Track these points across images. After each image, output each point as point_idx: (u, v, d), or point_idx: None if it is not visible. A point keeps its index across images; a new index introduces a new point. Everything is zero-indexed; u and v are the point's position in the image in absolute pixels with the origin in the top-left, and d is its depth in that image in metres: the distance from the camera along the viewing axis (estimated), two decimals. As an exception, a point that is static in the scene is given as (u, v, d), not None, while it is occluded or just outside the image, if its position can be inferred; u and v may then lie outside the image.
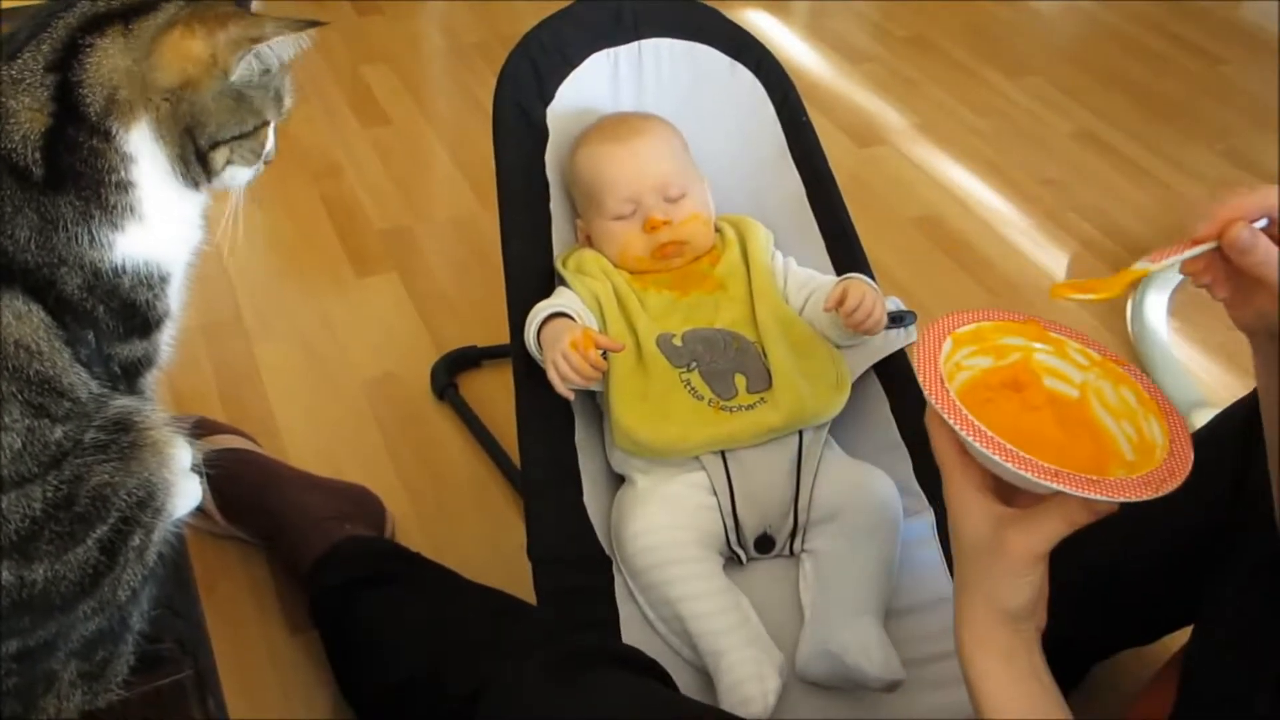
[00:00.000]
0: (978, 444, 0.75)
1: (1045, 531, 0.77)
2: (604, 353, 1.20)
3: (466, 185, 2.21)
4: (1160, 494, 0.75)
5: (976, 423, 0.76)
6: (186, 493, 0.93)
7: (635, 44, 1.41)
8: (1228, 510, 1.00)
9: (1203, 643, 1.02)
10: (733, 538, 1.19)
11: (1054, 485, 0.74)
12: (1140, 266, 0.81)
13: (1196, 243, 0.79)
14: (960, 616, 0.83)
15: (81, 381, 0.85)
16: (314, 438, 1.64)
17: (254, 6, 0.89)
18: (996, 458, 0.74)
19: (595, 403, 1.28)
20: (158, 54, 0.82)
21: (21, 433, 0.81)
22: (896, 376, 1.31)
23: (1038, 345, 0.86)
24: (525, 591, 1.17)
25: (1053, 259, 2.11)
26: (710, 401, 1.20)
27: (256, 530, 1.45)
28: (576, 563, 1.18)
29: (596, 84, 1.40)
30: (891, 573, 1.18)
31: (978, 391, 0.84)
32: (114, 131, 0.82)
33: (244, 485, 1.44)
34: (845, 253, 1.38)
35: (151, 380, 0.94)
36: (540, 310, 1.24)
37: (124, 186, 0.84)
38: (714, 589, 1.14)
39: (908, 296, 1.55)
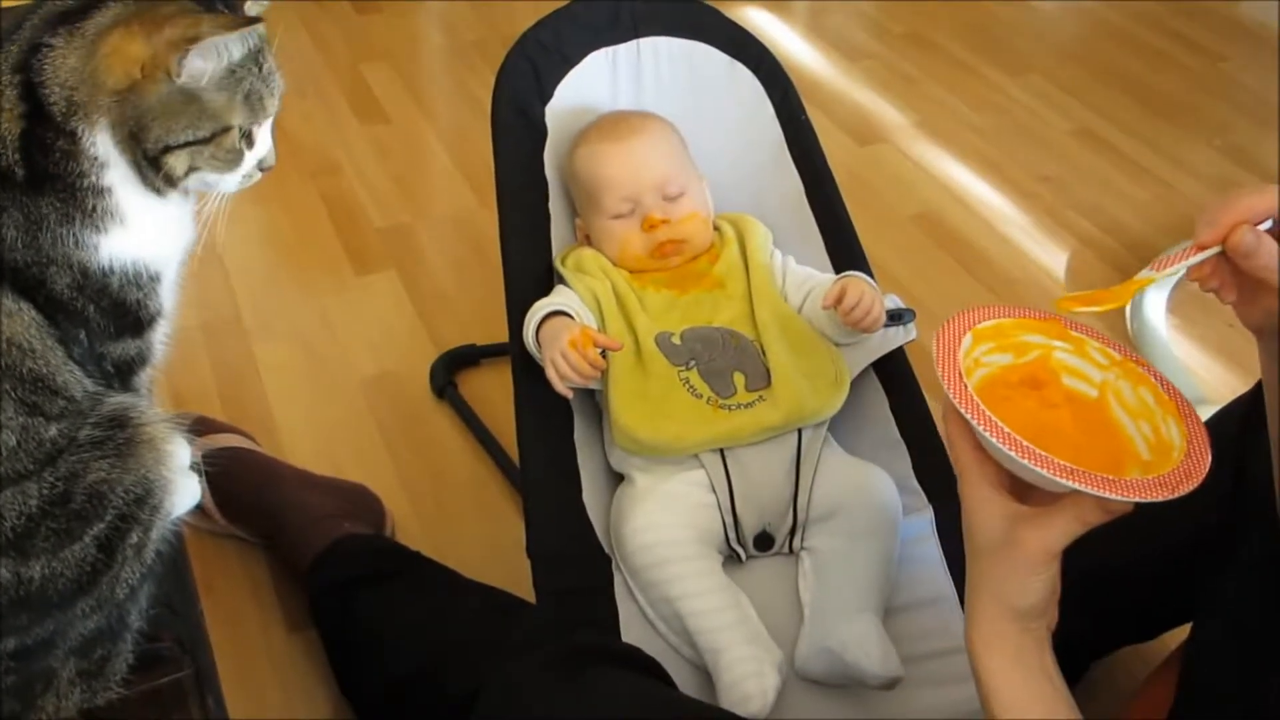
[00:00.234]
0: (995, 440, 0.75)
1: (1059, 530, 0.77)
2: (603, 351, 1.20)
3: (465, 184, 2.21)
4: (1176, 495, 0.74)
5: (994, 418, 0.76)
6: (185, 491, 0.93)
7: (634, 43, 1.41)
8: (1226, 507, 1.00)
9: (1202, 639, 1.02)
10: (732, 536, 1.19)
11: (1070, 483, 0.73)
12: (1145, 275, 0.81)
13: (1200, 248, 0.78)
14: (971, 615, 0.82)
15: (75, 379, 0.85)
16: (313, 436, 1.64)
17: (248, 7, 0.88)
18: (1013, 454, 0.74)
19: (594, 401, 1.28)
20: (101, 55, 0.80)
21: (16, 430, 0.81)
22: (895, 374, 1.31)
23: (1058, 343, 0.86)
24: (525, 590, 1.17)
25: (1052, 256, 2.11)
26: (709, 400, 1.20)
27: (255, 529, 1.45)
28: (576, 561, 1.18)
29: (595, 83, 1.40)
30: (890, 570, 1.18)
31: (996, 388, 0.84)
32: (79, 133, 0.81)
33: (243, 484, 1.44)
34: (844, 251, 1.37)
35: (146, 378, 0.94)
36: (539, 309, 1.24)
37: (99, 191, 0.83)
38: (713, 587, 1.14)
39: (906, 294, 1.55)
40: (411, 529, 1.52)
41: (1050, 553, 0.78)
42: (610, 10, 1.39)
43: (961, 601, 0.89)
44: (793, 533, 1.19)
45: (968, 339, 0.84)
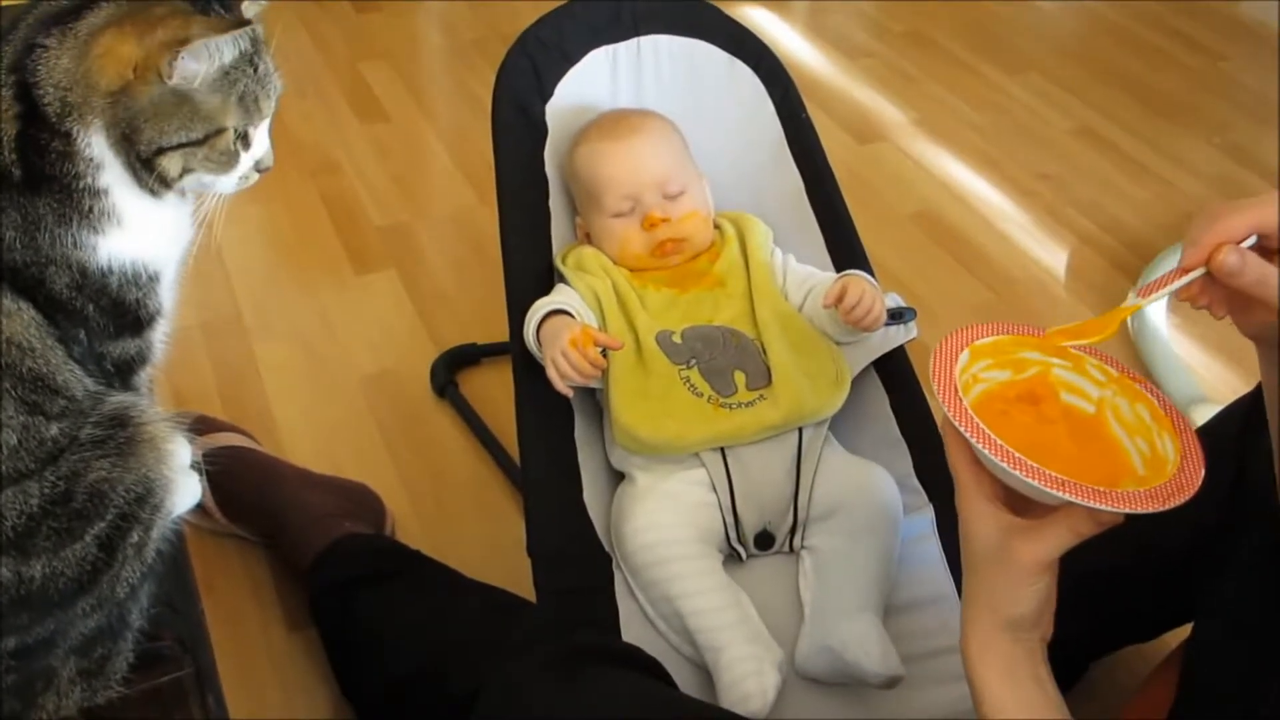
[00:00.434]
0: (988, 452, 0.77)
1: (1052, 541, 0.78)
2: (603, 350, 1.20)
3: (465, 182, 2.21)
4: (1166, 508, 0.76)
5: (988, 432, 0.78)
6: (186, 490, 0.93)
7: (634, 41, 1.41)
8: (1227, 507, 1.00)
9: (1202, 639, 1.02)
10: (732, 535, 1.19)
11: (1061, 495, 0.75)
12: (1131, 303, 0.82)
13: (1185, 271, 0.79)
14: (966, 624, 0.83)
15: (76, 379, 0.85)
16: (313, 435, 1.64)
17: (245, 6, 0.88)
18: (1005, 466, 0.76)
19: (595, 400, 1.28)
20: (93, 56, 0.80)
21: (17, 429, 0.81)
22: (896, 373, 1.31)
23: (1056, 360, 0.87)
24: (525, 589, 1.17)
25: (1052, 255, 2.11)
26: (710, 399, 1.20)
27: (256, 528, 1.45)
28: (576, 560, 1.18)
29: (596, 81, 1.40)
30: (891, 569, 1.18)
31: (993, 403, 0.85)
32: (74, 134, 0.81)
33: (243, 483, 1.44)
34: (844, 249, 1.37)
35: (146, 377, 0.94)
36: (539, 307, 1.24)
37: (96, 193, 0.83)
38: (713, 586, 1.14)
39: (906, 292, 1.55)
40: (412, 528, 1.52)
41: (1042, 564, 0.79)
42: (610, 8, 1.39)
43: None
44: (793, 531, 1.19)
45: (965, 355, 0.86)
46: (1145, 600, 1.19)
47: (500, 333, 1.34)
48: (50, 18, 0.81)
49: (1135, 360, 1.82)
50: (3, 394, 0.81)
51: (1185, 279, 0.79)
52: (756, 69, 1.43)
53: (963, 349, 0.86)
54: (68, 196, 0.82)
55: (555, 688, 0.92)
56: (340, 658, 1.30)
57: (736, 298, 1.28)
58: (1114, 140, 2.46)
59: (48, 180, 0.81)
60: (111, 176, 0.83)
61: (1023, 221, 2.20)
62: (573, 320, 1.22)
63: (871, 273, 1.32)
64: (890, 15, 2.94)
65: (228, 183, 0.90)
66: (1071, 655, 1.29)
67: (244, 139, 0.89)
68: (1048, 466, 0.76)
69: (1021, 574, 0.79)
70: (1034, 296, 2.00)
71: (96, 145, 0.82)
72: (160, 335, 0.94)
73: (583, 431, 1.25)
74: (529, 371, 1.23)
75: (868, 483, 1.21)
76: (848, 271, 1.27)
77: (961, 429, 0.78)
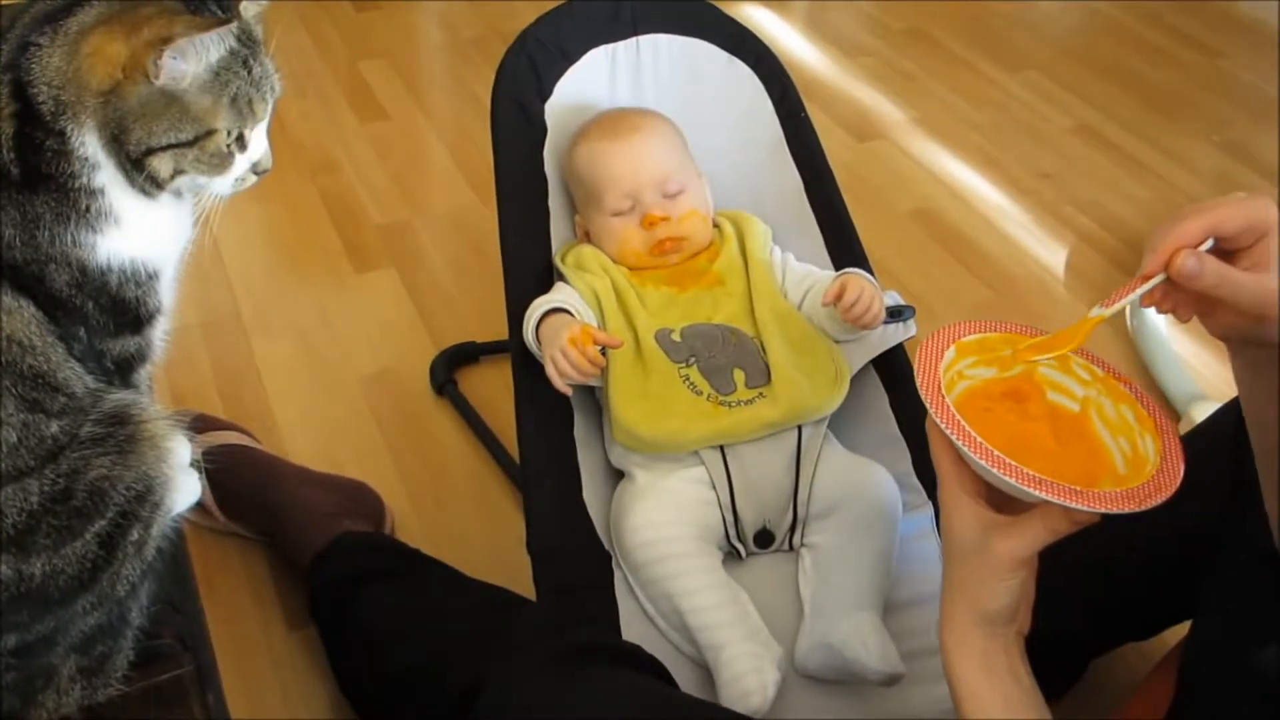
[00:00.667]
0: (967, 449, 0.78)
1: (1028, 537, 0.80)
2: (603, 349, 1.20)
3: (465, 181, 2.21)
4: (1142, 508, 0.78)
5: (968, 429, 0.79)
6: (185, 488, 0.93)
7: (634, 40, 1.41)
8: (1225, 503, 1.01)
9: (1201, 637, 1.02)
10: (732, 532, 1.19)
11: (1036, 493, 0.76)
12: (1096, 313, 0.84)
13: (1145, 278, 0.80)
14: (944, 617, 0.85)
15: (76, 376, 0.85)
16: (313, 433, 1.64)
17: (244, 6, 0.88)
18: (983, 463, 0.77)
19: (595, 398, 1.28)
20: (83, 55, 0.80)
21: (17, 427, 0.81)
22: (895, 371, 1.31)
23: (1042, 358, 0.88)
24: (525, 587, 1.17)
25: (1051, 253, 2.11)
26: (709, 397, 1.20)
27: (256, 526, 1.45)
28: (576, 558, 1.18)
29: (595, 80, 1.40)
30: (890, 567, 1.18)
31: (978, 400, 0.87)
32: (68, 133, 0.81)
33: (243, 481, 1.44)
34: (843, 247, 1.37)
35: (146, 375, 0.94)
36: (539, 306, 1.24)
37: (92, 192, 0.83)
38: (713, 583, 1.14)
39: (905, 290, 1.55)
40: (411, 526, 1.52)
41: (1018, 559, 0.81)
42: (610, 8, 1.39)
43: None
44: (793, 529, 1.19)
45: (950, 352, 0.87)
46: (1146, 595, 1.19)
47: (499, 331, 1.34)
48: (44, 16, 0.81)
49: (1135, 359, 1.82)
50: (3, 391, 0.81)
51: (1146, 285, 0.81)
52: (756, 68, 1.43)
53: (948, 346, 0.87)
54: (65, 196, 0.82)
55: (555, 686, 0.92)
56: (340, 656, 1.30)
57: (736, 296, 1.28)
58: (1113, 138, 2.46)
59: (45, 179, 0.81)
60: (107, 176, 0.83)
61: (1022, 219, 2.20)
62: (572, 319, 1.22)
63: (871, 271, 1.32)
64: (889, 13, 2.94)
65: (222, 185, 0.90)
66: (1072, 653, 1.29)
67: (240, 141, 0.88)
68: (1029, 464, 0.78)
69: (998, 569, 0.81)
70: (1033, 295, 2.00)
71: (90, 145, 0.82)
72: (160, 333, 0.94)
73: (582, 429, 1.25)
74: (528, 370, 1.23)
75: (867, 480, 1.21)
76: (847, 270, 1.27)
77: (942, 425, 0.80)
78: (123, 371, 0.90)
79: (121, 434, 0.86)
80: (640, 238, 1.29)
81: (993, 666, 0.83)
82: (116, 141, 0.82)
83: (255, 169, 0.92)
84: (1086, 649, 1.31)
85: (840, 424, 1.27)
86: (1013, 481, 0.77)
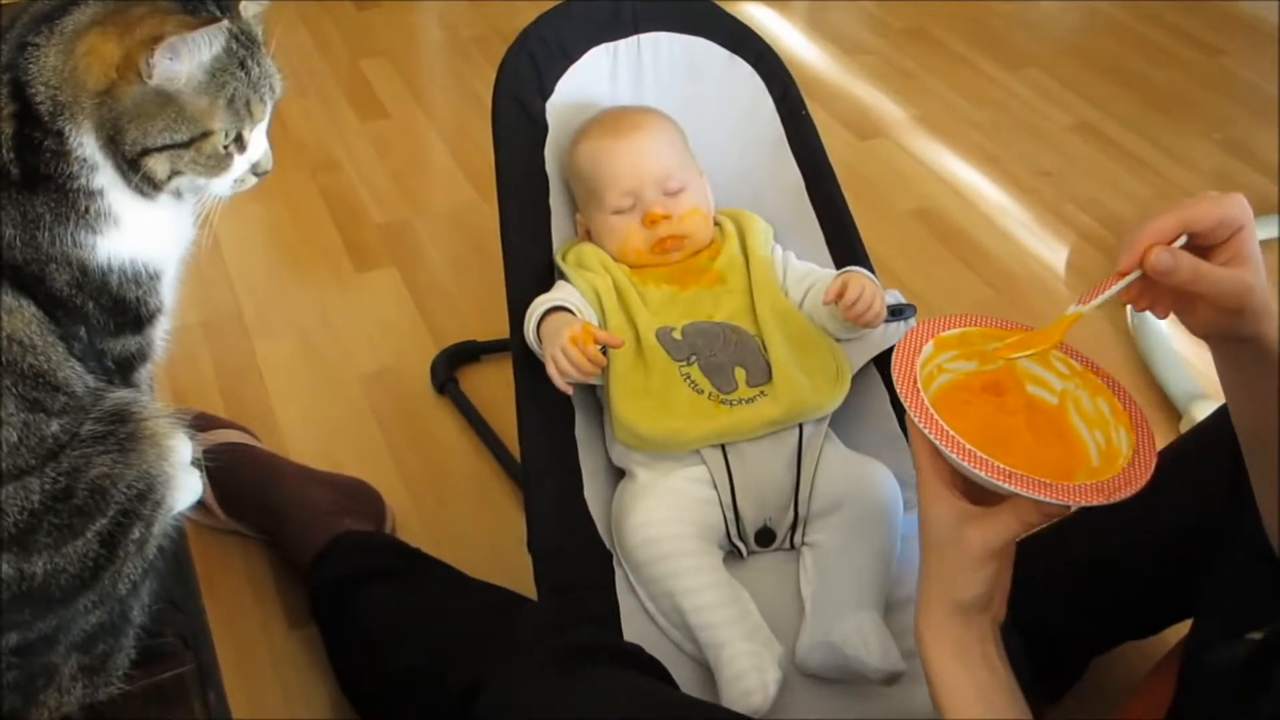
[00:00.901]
0: (940, 442, 0.80)
1: (999, 529, 0.81)
2: (603, 348, 1.20)
3: (465, 179, 2.21)
4: (1110, 501, 0.79)
5: (941, 422, 0.81)
6: (186, 487, 0.93)
7: (634, 38, 1.41)
8: (1225, 501, 1.01)
9: (1201, 635, 1.02)
10: (733, 531, 1.19)
11: (1006, 485, 0.78)
12: (1073, 310, 0.84)
13: (1121, 275, 0.82)
14: (920, 605, 0.87)
15: (77, 376, 0.85)
16: (313, 432, 1.64)
17: (244, 6, 0.88)
18: (955, 456, 0.79)
19: (596, 396, 1.28)
20: (79, 54, 0.80)
21: (18, 426, 0.81)
22: (896, 370, 1.31)
23: (1021, 355, 0.89)
24: (525, 586, 1.17)
25: (1052, 251, 2.11)
26: (710, 395, 1.20)
27: (256, 525, 1.45)
28: (577, 556, 1.18)
29: (596, 78, 1.40)
30: (891, 565, 1.18)
31: (957, 393, 0.89)
32: (66, 133, 0.80)
33: (244, 480, 1.44)
34: (844, 246, 1.37)
35: (147, 374, 0.94)
36: (540, 304, 1.24)
37: (91, 193, 0.83)
38: (714, 582, 1.14)
39: (906, 289, 1.55)
40: (412, 525, 1.52)
41: (990, 550, 0.82)
42: (610, 6, 1.39)
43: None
44: (794, 528, 1.19)
45: (929, 346, 0.88)
46: (1144, 596, 1.19)
47: (500, 330, 1.34)
48: (42, 15, 0.81)
49: (1136, 358, 1.82)
50: (3, 391, 0.81)
51: (1122, 283, 0.82)
52: (757, 66, 1.43)
53: (926, 341, 0.88)
54: (64, 196, 0.82)
55: (555, 686, 0.92)
56: (340, 655, 1.30)
57: (737, 294, 1.28)
58: (1114, 136, 2.46)
59: (44, 180, 0.81)
60: (105, 177, 0.83)
61: (1023, 218, 2.20)
62: (573, 317, 1.22)
63: (871, 269, 1.32)
64: (890, 12, 2.94)
65: (221, 186, 0.89)
66: (1072, 653, 1.30)
67: (238, 142, 0.88)
68: (1005, 457, 0.79)
69: (971, 559, 0.82)
70: (1034, 293, 2.00)
71: (88, 145, 0.81)
72: (161, 333, 0.94)
73: (583, 428, 1.25)
74: (529, 368, 1.23)
75: (868, 479, 1.21)
76: (848, 268, 1.27)
77: (916, 419, 0.81)
78: (123, 371, 0.90)
79: (122, 432, 0.86)
80: (641, 236, 1.29)
81: (967, 654, 0.84)
82: (113, 142, 0.82)
83: (255, 170, 0.91)
84: (1086, 648, 1.31)
85: (841, 422, 1.27)
86: (982, 474, 0.78)
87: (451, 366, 1.74)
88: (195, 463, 0.94)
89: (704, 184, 1.34)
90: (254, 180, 0.92)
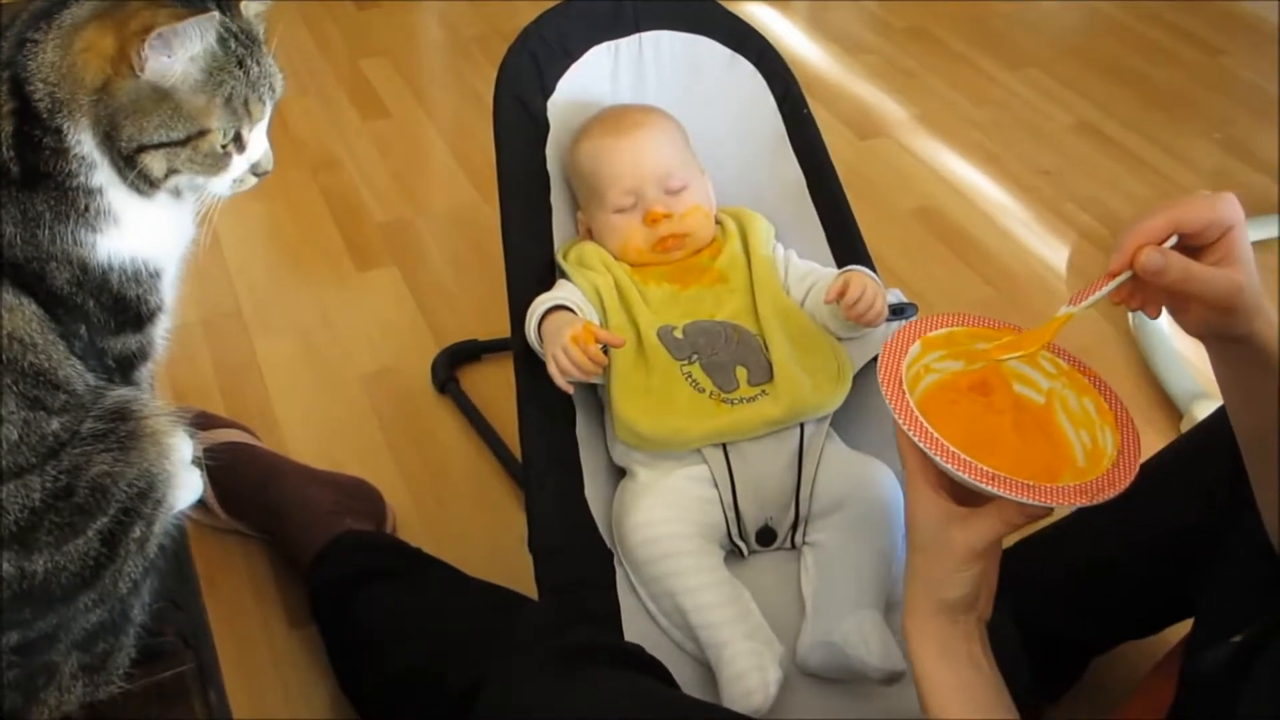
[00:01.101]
0: (924, 445, 0.80)
1: (984, 530, 0.82)
2: (604, 347, 1.20)
3: (466, 178, 2.21)
4: (1094, 502, 0.79)
5: (926, 425, 0.81)
6: (187, 485, 0.93)
7: (636, 37, 1.41)
8: (1225, 500, 1.01)
9: (1202, 635, 1.02)
10: (734, 530, 1.19)
11: (989, 488, 0.79)
12: (1064, 311, 0.85)
13: (1112, 275, 0.82)
14: (906, 604, 0.88)
15: (77, 374, 0.85)
16: (314, 432, 1.64)
17: (245, 6, 0.87)
18: (939, 458, 0.80)
19: (597, 395, 1.28)
20: (76, 50, 0.80)
21: (18, 424, 0.81)
22: (897, 369, 1.30)
23: (1010, 357, 0.89)
24: (526, 585, 1.17)
25: (1052, 250, 2.11)
26: (711, 394, 1.20)
27: (257, 524, 1.45)
28: (578, 556, 1.18)
29: (597, 77, 1.40)
30: (892, 565, 1.18)
31: (945, 393, 0.89)
32: (65, 130, 0.80)
33: (244, 479, 1.44)
34: (846, 245, 1.37)
35: (147, 373, 0.94)
36: (541, 303, 1.24)
37: (90, 191, 0.83)
38: (715, 581, 1.14)
39: (907, 288, 1.55)
40: (412, 524, 1.52)
41: (975, 550, 0.83)
42: (612, 5, 1.39)
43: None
44: (795, 527, 1.19)
45: (916, 347, 0.89)
46: (1144, 596, 1.19)
47: (501, 329, 1.34)
48: (41, 11, 0.81)
49: (1136, 357, 1.82)
50: (4, 389, 0.81)
51: (1113, 283, 0.82)
52: (758, 65, 1.43)
53: (913, 341, 0.89)
54: (63, 194, 0.82)
55: (555, 686, 0.93)
56: (340, 654, 1.30)
57: (738, 293, 1.28)
58: (1114, 135, 2.46)
59: (44, 178, 0.81)
60: (104, 175, 0.83)
61: (1023, 217, 2.20)
62: (574, 316, 1.22)
63: (873, 268, 1.32)
64: (891, 11, 2.94)
65: (219, 185, 0.89)
66: (1072, 653, 1.30)
67: (237, 141, 0.88)
68: (990, 457, 0.80)
69: (956, 559, 0.83)
70: (1034, 292, 2.00)
71: (86, 143, 0.81)
72: (161, 331, 0.94)
73: (584, 427, 1.25)
74: (530, 367, 1.23)
75: (869, 478, 1.21)
76: (849, 267, 1.27)
77: (900, 421, 0.82)
78: (124, 369, 0.90)
79: (123, 430, 0.86)
80: (643, 234, 1.29)
81: (952, 653, 0.85)
82: (109, 139, 0.82)
83: (255, 170, 0.91)
84: (1086, 649, 1.31)
85: (843, 422, 1.27)
86: (966, 477, 0.79)
87: (452, 366, 1.74)
88: (196, 461, 0.94)
89: (705, 183, 1.34)
90: (254, 180, 0.92)
